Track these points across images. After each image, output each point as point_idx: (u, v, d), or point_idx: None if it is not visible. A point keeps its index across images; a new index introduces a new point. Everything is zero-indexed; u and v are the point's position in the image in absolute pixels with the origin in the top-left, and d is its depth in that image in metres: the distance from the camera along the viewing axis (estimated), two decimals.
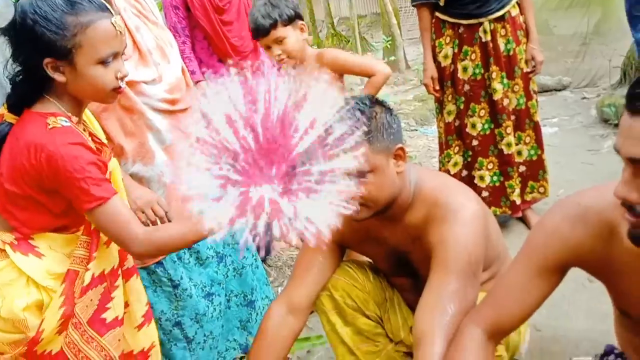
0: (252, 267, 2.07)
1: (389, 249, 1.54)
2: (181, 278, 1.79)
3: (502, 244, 1.60)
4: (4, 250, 1.24)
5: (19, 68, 1.24)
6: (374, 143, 1.32)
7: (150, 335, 1.50)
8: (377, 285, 1.65)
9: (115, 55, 1.24)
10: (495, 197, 2.61)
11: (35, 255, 1.25)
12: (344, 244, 1.61)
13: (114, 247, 1.38)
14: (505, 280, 1.19)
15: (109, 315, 1.36)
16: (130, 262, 1.45)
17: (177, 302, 1.80)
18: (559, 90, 5.20)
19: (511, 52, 2.48)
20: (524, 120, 2.57)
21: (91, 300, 1.32)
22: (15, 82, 1.26)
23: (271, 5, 2.01)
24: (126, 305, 1.44)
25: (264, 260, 2.74)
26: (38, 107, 1.26)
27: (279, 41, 2.01)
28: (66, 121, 1.24)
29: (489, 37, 2.46)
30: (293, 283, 1.55)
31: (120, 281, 1.40)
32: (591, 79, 5.24)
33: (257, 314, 2.11)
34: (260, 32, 2.02)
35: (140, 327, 1.46)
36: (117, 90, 1.28)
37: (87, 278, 1.30)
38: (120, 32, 1.24)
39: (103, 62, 1.22)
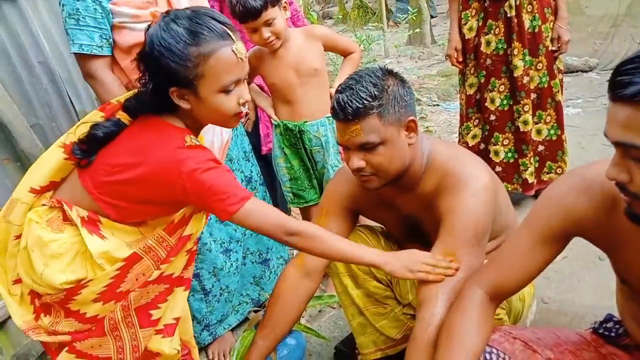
0: None
1: (401, 216, 1.59)
2: (202, 233, 1.85)
3: (512, 215, 1.64)
4: (71, 223, 1.30)
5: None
6: (385, 115, 1.35)
7: (161, 345, 1.45)
8: (388, 250, 1.70)
9: (237, 82, 1.26)
10: (508, 173, 2.63)
11: (98, 236, 1.30)
12: (358, 211, 1.67)
13: (185, 256, 1.41)
14: (510, 246, 1.24)
15: (155, 314, 1.40)
16: (189, 272, 1.47)
17: (197, 255, 1.86)
18: (585, 71, 5.13)
19: (536, 29, 2.47)
20: (546, 99, 2.56)
21: (148, 292, 1.37)
22: (141, 96, 1.30)
23: None
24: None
25: None
26: (166, 119, 1.30)
27: (269, 23, 1.96)
28: (197, 140, 1.28)
29: (513, 13, 2.45)
30: None
31: (179, 288, 1.44)
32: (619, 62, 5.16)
33: (271, 272, 2.20)
34: (250, 15, 1.93)
35: (158, 332, 1.44)
36: (239, 115, 1.30)
37: (155, 275, 1.35)
38: (242, 58, 1.25)
39: (225, 91, 1.24)
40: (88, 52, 1.71)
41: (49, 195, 1.35)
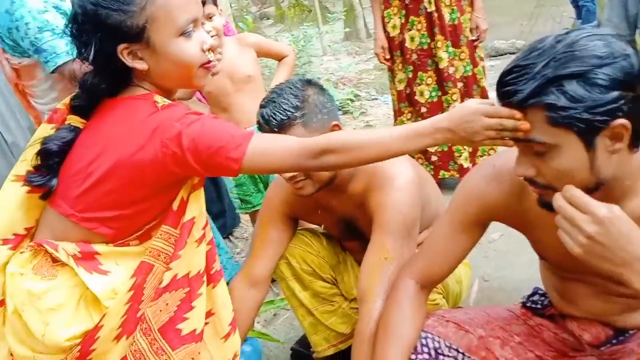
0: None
1: (337, 217, 1.66)
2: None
3: (443, 205, 1.73)
4: (61, 264, 1.06)
5: (89, 68, 1.08)
6: (309, 123, 1.41)
7: (235, 344, 1.29)
8: (330, 249, 1.77)
9: (195, 23, 1.07)
10: (444, 161, 2.74)
11: (99, 273, 1.07)
12: (297, 216, 1.72)
13: (203, 248, 1.18)
14: (434, 235, 1.32)
15: (185, 327, 1.15)
16: (217, 264, 1.25)
17: None
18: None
19: (456, 22, 2.58)
20: (472, 86, 2.68)
21: (167, 304, 1.13)
22: (85, 84, 1.10)
23: None
24: (209, 314, 1.24)
25: (230, 234, 2.85)
26: (125, 93, 1.09)
27: (210, 17, 2.00)
28: (167, 99, 1.08)
29: (433, 7, 2.56)
30: (251, 258, 1.66)
31: (204, 288, 1.19)
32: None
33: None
34: None
35: (227, 336, 1.26)
36: (206, 65, 1.10)
37: (167, 279, 1.11)
38: None
39: (184, 33, 1.04)
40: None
41: (26, 244, 1.11)
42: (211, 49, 1.10)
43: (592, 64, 0.90)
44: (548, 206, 1.01)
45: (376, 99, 4.85)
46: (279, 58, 2.27)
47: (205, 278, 1.20)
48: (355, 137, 1.12)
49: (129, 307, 1.07)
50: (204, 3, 1.96)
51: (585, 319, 1.25)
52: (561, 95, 0.90)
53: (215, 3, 2.05)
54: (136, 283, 1.08)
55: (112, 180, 1.04)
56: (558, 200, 0.92)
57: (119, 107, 1.08)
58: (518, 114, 0.96)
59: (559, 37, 0.94)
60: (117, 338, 1.07)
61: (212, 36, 2.01)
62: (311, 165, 1.09)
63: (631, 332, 1.21)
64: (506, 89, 0.95)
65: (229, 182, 2.29)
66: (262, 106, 1.45)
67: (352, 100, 4.85)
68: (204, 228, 1.19)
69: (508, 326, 1.32)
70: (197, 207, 1.16)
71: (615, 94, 0.90)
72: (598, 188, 0.98)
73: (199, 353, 1.19)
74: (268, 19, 12.17)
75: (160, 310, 1.13)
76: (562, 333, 1.29)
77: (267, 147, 1.06)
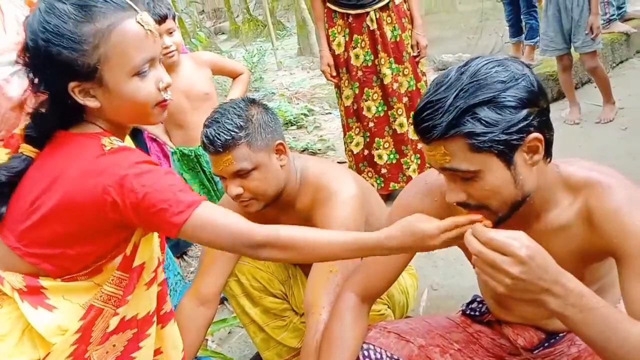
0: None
1: None
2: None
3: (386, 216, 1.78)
4: (6, 296, 1.04)
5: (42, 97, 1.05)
6: (253, 143, 1.44)
7: None
8: (279, 265, 1.79)
9: (152, 62, 1.03)
10: (394, 173, 2.82)
11: (45, 308, 1.04)
12: None
13: (154, 290, 1.16)
14: None
15: None
16: (168, 305, 1.24)
17: None
18: None
19: (398, 39, 2.68)
20: (416, 100, 2.76)
21: (114, 346, 1.11)
22: (37, 114, 1.07)
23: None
24: (158, 352, 1.22)
25: (185, 253, 2.84)
26: (78, 129, 1.06)
27: (170, 32, 2.05)
28: (119, 140, 1.05)
29: (375, 26, 2.65)
30: (200, 276, 1.65)
31: (153, 329, 1.18)
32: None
33: (170, 289, 2.21)
34: (157, 18, 1.98)
35: None
36: (162, 104, 1.07)
37: (114, 323, 1.09)
38: (151, 30, 1.02)
39: (139, 73, 1.01)
40: None
41: None
42: (167, 87, 1.07)
43: (497, 89, 0.96)
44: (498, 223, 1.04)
45: (329, 112, 4.92)
46: (234, 76, 2.31)
47: (155, 319, 1.19)
48: (305, 237, 1.09)
49: (75, 348, 1.05)
50: (164, 18, 2.01)
51: (519, 324, 1.31)
52: (477, 122, 0.95)
53: (174, 18, 2.09)
54: (84, 325, 1.06)
55: (55, 219, 1.02)
56: (475, 245, 0.90)
57: (69, 143, 1.05)
58: (477, 217, 0.98)
59: (461, 69, 1.00)
60: None
61: (171, 50, 2.05)
62: (247, 253, 1.08)
63: (561, 334, 1.27)
64: (424, 126, 0.98)
65: None
66: (206, 126, 1.46)
67: (306, 115, 4.91)
68: (154, 270, 1.17)
69: (448, 334, 1.37)
70: (148, 251, 1.14)
71: (524, 112, 0.97)
72: (524, 201, 1.04)
73: None
74: (223, 33, 12.18)
75: (107, 352, 1.11)
76: (500, 339, 1.35)
77: (210, 221, 1.03)
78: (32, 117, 1.08)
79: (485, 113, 0.96)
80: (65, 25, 0.96)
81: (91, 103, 1.01)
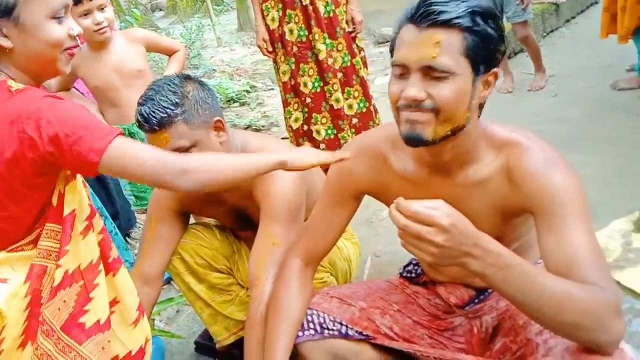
0: (111, 235, 2.13)
1: (228, 208, 1.70)
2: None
3: None
4: None
5: None
6: (190, 120, 1.43)
7: (145, 329, 1.30)
8: (224, 240, 1.81)
9: (66, 9, 1.07)
10: (332, 148, 2.84)
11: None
12: (188, 211, 1.75)
13: (92, 238, 1.17)
14: (313, 214, 1.41)
15: (88, 319, 1.14)
16: (114, 252, 1.24)
17: None
18: None
19: (331, 14, 2.68)
20: (351, 76, 2.79)
21: (64, 302, 1.11)
22: None
23: None
24: (114, 302, 1.23)
25: (127, 235, 2.80)
26: None
27: (102, 8, 2.01)
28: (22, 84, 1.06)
29: (307, 1, 2.64)
30: (142, 256, 1.66)
31: (101, 278, 1.18)
32: None
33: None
34: None
35: (136, 322, 1.27)
36: (70, 51, 1.09)
37: (59, 276, 1.10)
38: None
39: (57, 17, 1.05)
40: None
41: None
42: (77, 36, 1.10)
43: (495, 14, 1.04)
44: (415, 141, 1.08)
45: (272, 89, 4.89)
46: (170, 53, 2.27)
47: (101, 267, 1.19)
48: (216, 163, 1.18)
49: (28, 313, 1.06)
50: None
51: (450, 283, 1.39)
52: (480, 26, 1.01)
53: None
54: (32, 287, 1.07)
55: None
56: (400, 219, 0.93)
57: None
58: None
59: None
60: (22, 345, 1.07)
61: (103, 27, 2.00)
62: (169, 181, 1.09)
63: (489, 290, 1.35)
64: (431, 8, 1.00)
65: (122, 180, 2.26)
66: (140, 104, 1.43)
67: (248, 92, 4.87)
68: (88, 219, 1.17)
69: (387, 296, 1.43)
70: (74, 198, 1.14)
71: (504, 45, 1.05)
72: (455, 133, 1.09)
73: (109, 342, 1.18)
74: (160, 10, 11.79)
75: (59, 309, 1.11)
76: (435, 298, 1.43)
77: (131, 149, 1.05)
78: None
79: (488, 24, 1.02)
80: None
81: (4, 42, 1.02)
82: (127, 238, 2.78)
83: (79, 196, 1.15)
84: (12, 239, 1.10)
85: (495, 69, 1.08)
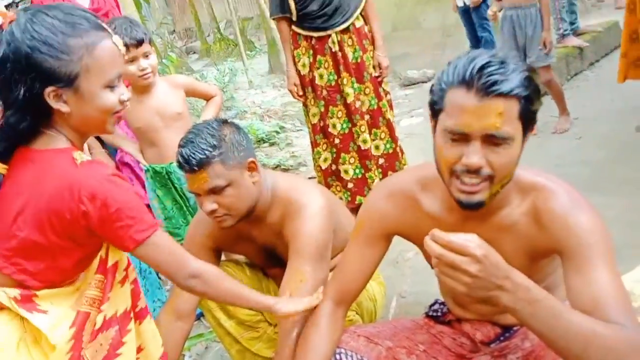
0: (146, 273, 2.22)
1: (258, 245, 1.76)
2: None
3: None
4: (1, 307, 1.13)
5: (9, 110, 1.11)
6: (227, 161, 1.52)
7: None
8: (253, 277, 1.87)
9: (119, 77, 1.17)
10: (359, 187, 2.92)
11: (38, 312, 1.14)
12: (220, 248, 1.81)
13: (127, 287, 1.29)
14: (344, 255, 1.45)
15: None
16: (142, 302, 1.34)
17: None
18: (424, 82, 5.62)
19: (359, 60, 2.80)
20: (378, 118, 2.89)
21: (101, 344, 1.22)
22: (6, 122, 1.13)
23: (132, 24, 2.13)
24: (139, 349, 1.32)
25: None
26: (42, 144, 1.15)
27: (147, 55, 2.14)
28: (87, 155, 1.16)
29: (337, 48, 2.77)
30: (176, 291, 1.71)
31: (132, 324, 1.29)
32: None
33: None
34: (134, 43, 2.08)
35: None
36: (118, 115, 1.20)
37: (100, 320, 1.21)
38: (122, 51, 1.17)
39: (111, 86, 1.15)
40: None
41: None
42: (126, 100, 1.20)
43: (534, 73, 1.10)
44: (472, 207, 1.13)
45: (300, 129, 5.00)
46: (207, 98, 2.40)
47: (132, 315, 1.29)
48: (225, 280, 1.33)
49: (70, 356, 1.14)
50: (141, 42, 2.09)
51: (477, 320, 1.41)
52: (530, 89, 1.05)
53: (150, 42, 2.17)
54: (76, 332, 1.16)
55: (38, 233, 1.11)
56: (436, 248, 0.95)
57: (40, 160, 1.14)
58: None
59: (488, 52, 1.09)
60: None
61: (147, 72, 2.14)
62: (180, 282, 1.25)
63: (515, 328, 1.37)
64: (491, 78, 1.02)
65: (158, 216, 2.36)
66: (180, 146, 1.53)
67: (277, 132, 4.99)
68: (125, 269, 1.28)
69: (413, 336, 1.45)
70: (117, 251, 1.25)
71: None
72: (502, 188, 1.13)
73: None
74: (194, 53, 12.22)
75: (96, 351, 1.21)
76: (460, 337, 1.43)
77: (162, 244, 1.19)
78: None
79: (534, 86, 1.06)
80: (55, 37, 1.07)
81: (63, 107, 1.11)
82: (159, 276, 2.87)
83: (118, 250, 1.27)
84: (56, 283, 1.19)
85: (535, 124, 1.12)
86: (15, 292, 1.13)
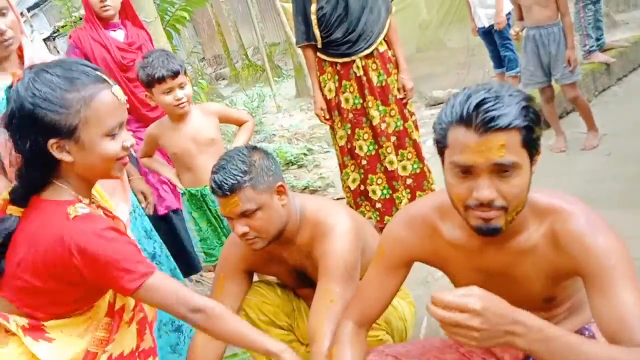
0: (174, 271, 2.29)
1: (289, 266, 1.82)
2: None
3: None
4: (12, 333, 1.19)
5: (23, 160, 1.20)
6: (257, 185, 1.59)
7: None
8: (284, 298, 1.92)
9: (121, 126, 1.22)
10: (387, 207, 2.96)
11: (45, 340, 1.20)
12: (252, 270, 1.88)
13: (134, 327, 1.34)
14: (365, 279, 1.49)
15: None
16: (147, 342, 1.39)
17: None
18: None
19: (384, 83, 2.87)
20: (404, 139, 2.94)
21: None
22: (20, 175, 1.22)
23: (168, 56, 2.25)
24: None
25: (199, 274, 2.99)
26: (49, 195, 1.22)
27: (182, 86, 2.24)
28: (84, 207, 1.21)
29: (361, 72, 2.85)
30: None
31: None
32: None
33: (185, 336, 2.34)
34: (170, 74, 2.20)
35: None
36: (122, 161, 1.25)
37: (104, 359, 1.26)
38: (122, 101, 1.22)
39: (111, 135, 1.20)
40: None
41: None
42: (129, 147, 1.26)
43: (532, 99, 1.12)
44: (490, 234, 1.15)
45: (328, 151, 5.07)
46: (239, 124, 2.51)
47: (137, 355, 1.34)
48: (229, 317, 1.35)
49: None
50: (177, 74, 2.22)
51: None
52: (529, 117, 1.07)
53: (186, 73, 2.29)
54: None
55: (37, 278, 1.19)
56: (438, 312, 0.98)
57: (42, 209, 1.22)
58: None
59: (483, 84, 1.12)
60: None
61: (182, 102, 2.25)
62: (184, 317, 1.27)
63: None
64: (488, 115, 1.05)
65: (194, 237, 2.46)
66: (213, 172, 1.61)
67: (305, 154, 5.07)
68: (133, 309, 1.35)
69: (442, 355, 1.47)
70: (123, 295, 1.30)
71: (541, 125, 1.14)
72: (518, 214, 1.15)
73: None
74: (223, 79, 12.50)
75: None
76: (489, 357, 1.45)
77: (158, 287, 1.23)
78: (18, 178, 1.24)
79: (534, 112, 1.08)
80: (54, 93, 1.14)
81: (65, 157, 1.18)
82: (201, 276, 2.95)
83: None
84: (63, 315, 1.25)
85: (540, 149, 1.14)
86: (24, 321, 1.20)
